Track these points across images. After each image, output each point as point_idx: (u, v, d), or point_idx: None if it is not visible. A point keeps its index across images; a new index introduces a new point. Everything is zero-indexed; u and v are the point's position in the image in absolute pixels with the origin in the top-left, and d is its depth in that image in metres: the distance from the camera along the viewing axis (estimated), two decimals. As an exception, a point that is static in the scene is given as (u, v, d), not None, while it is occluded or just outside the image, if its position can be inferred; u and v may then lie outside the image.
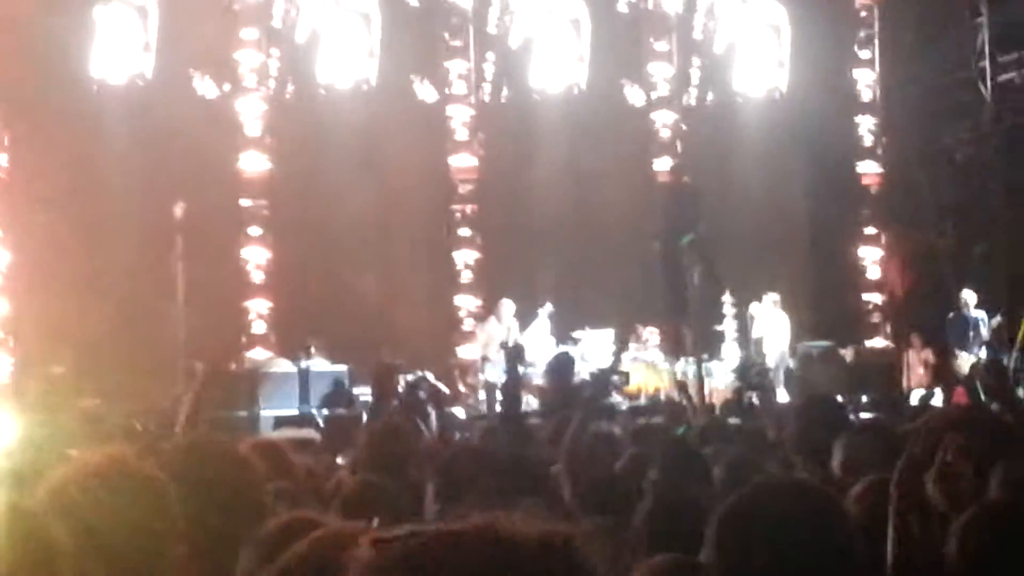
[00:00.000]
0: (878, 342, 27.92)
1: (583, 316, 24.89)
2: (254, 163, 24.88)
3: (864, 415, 18.35)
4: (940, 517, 4.39)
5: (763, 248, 26.97)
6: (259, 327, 24.53)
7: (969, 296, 25.71)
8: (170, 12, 24.10)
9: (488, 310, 25.27)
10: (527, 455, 8.03)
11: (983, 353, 24.68)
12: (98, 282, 22.24)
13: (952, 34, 29.21)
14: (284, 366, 23.15)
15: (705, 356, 22.67)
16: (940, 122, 29.00)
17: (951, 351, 25.28)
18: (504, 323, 24.41)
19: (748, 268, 25.73)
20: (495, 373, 23.30)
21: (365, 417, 19.99)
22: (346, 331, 23.48)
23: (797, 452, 7.41)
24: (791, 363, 25.17)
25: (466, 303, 26.11)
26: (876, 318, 28.46)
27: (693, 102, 28.32)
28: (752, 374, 23.44)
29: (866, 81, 29.24)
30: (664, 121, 28.02)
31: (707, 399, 20.33)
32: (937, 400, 21.37)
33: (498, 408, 22.33)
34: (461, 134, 26.51)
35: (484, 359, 24.24)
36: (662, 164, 27.46)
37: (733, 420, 14.32)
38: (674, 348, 24.48)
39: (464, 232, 26.25)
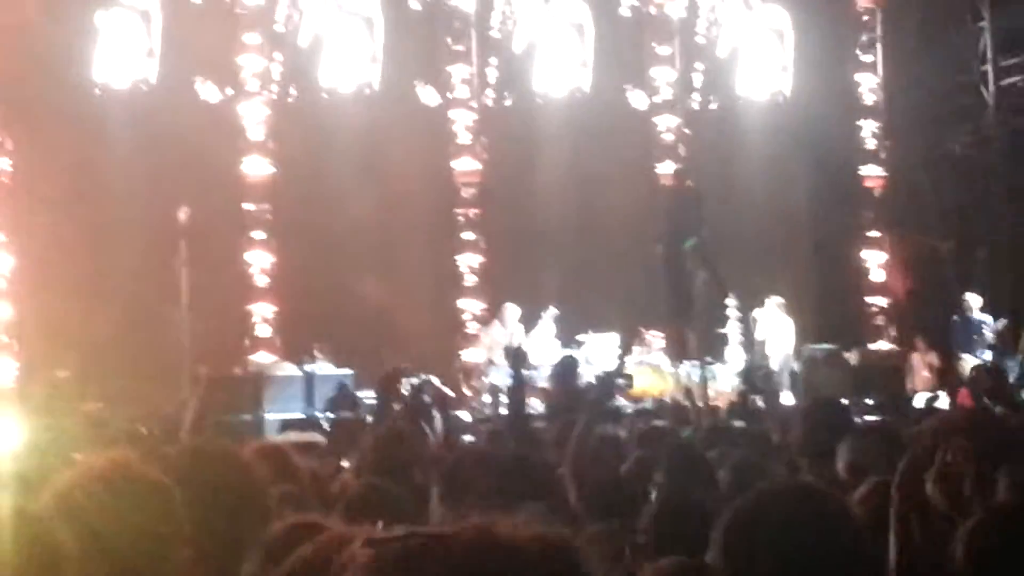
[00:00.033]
0: (882, 345, 27.91)
1: (587, 319, 24.88)
2: (257, 167, 24.88)
3: (869, 418, 18.34)
4: (943, 519, 4.38)
5: (766, 251, 26.97)
6: (263, 331, 24.53)
7: (973, 299, 25.72)
8: (173, 17, 24.11)
9: (492, 314, 25.28)
10: (532, 458, 8.01)
11: (987, 356, 24.69)
12: (102, 286, 22.24)
13: (954, 38, 29.24)
14: (289, 370, 23.18)
15: (709, 359, 22.69)
16: (943, 126, 29.04)
17: (955, 354, 25.27)
18: (508, 327, 24.42)
19: (752, 271, 25.72)
20: (499, 376, 23.30)
21: (370, 421, 19.99)
22: (350, 335, 23.49)
23: (802, 455, 7.42)
24: (795, 366, 25.16)
25: (470, 307, 26.11)
26: (880, 321, 28.44)
27: (696, 106, 28.32)
28: (757, 377, 23.44)
29: (869, 85, 29.24)
30: (667, 125, 28.04)
31: (711, 402, 20.34)
32: (942, 403, 21.35)
33: (503, 411, 22.32)
34: (464, 138, 26.51)
35: (488, 362, 24.26)
36: (665, 168, 27.45)
37: (738, 423, 14.32)
38: (678, 351, 24.49)
39: (467, 236, 26.24)
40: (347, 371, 22.92)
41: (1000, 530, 3.99)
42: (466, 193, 26.33)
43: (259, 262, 24.74)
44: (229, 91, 24.79)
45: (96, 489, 3.82)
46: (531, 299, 24.85)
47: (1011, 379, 22.58)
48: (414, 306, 24.80)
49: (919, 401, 22.73)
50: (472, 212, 26.30)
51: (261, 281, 24.71)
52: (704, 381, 20.65)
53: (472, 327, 25.87)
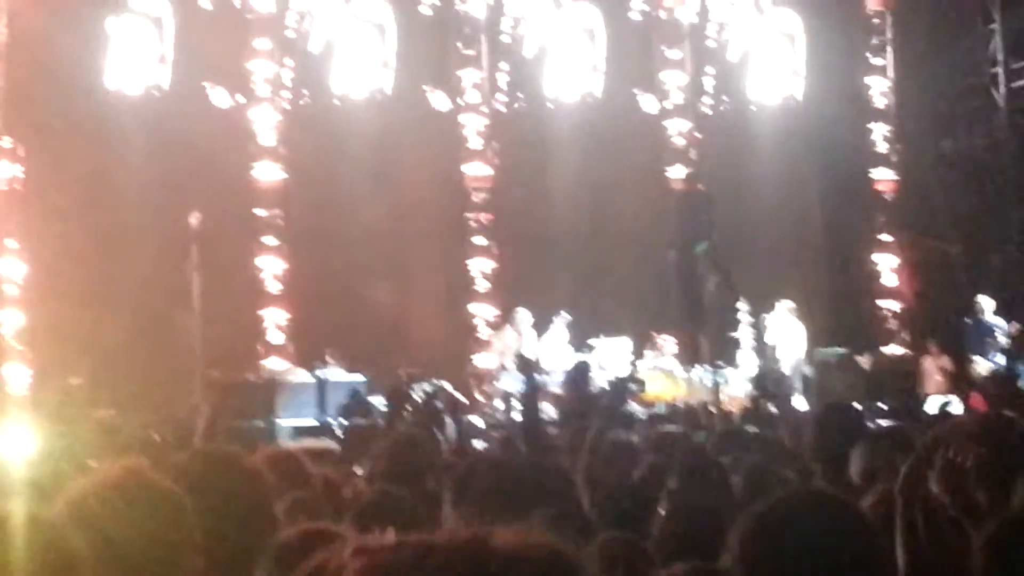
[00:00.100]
0: (895, 349, 27.87)
1: (599, 324, 24.86)
2: (269, 173, 24.90)
3: (881, 422, 18.31)
4: (950, 522, 4.37)
5: (778, 255, 26.96)
6: (275, 337, 24.54)
7: (986, 302, 25.68)
8: (185, 23, 24.14)
9: (504, 319, 25.28)
10: (545, 464, 8.01)
11: (1000, 360, 24.66)
12: (114, 292, 22.27)
13: (965, 40, 29.21)
14: (301, 376, 23.18)
15: (721, 364, 22.68)
16: (954, 128, 29.00)
17: (968, 358, 25.24)
18: (520, 332, 24.42)
19: (763, 275, 25.70)
20: (511, 382, 23.29)
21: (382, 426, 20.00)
22: (362, 340, 23.50)
23: (815, 460, 7.41)
24: (807, 371, 25.14)
25: (482, 312, 26.11)
26: (892, 325, 28.41)
27: (707, 110, 28.32)
28: (769, 382, 23.42)
29: (879, 88, 29.23)
30: (678, 129, 28.03)
31: (724, 407, 20.34)
32: (956, 407, 21.30)
33: (515, 417, 22.31)
34: (475, 143, 26.51)
35: (500, 368, 24.26)
36: (676, 172, 27.44)
37: (751, 428, 14.30)
38: (690, 356, 24.47)
39: (479, 241, 26.24)
40: (360, 377, 22.93)
41: (1018, 537, 3.97)
42: (477, 198, 26.34)
43: (271, 267, 24.76)
44: (240, 97, 24.82)
45: (109, 497, 3.83)
46: (543, 304, 24.84)
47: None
48: (426, 311, 24.83)
49: (932, 405, 22.68)
50: (483, 217, 26.30)
51: (273, 287, 24.73)
52: (716, 386, 20.62)
53: (484, 332, 25.87)
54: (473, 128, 26.53)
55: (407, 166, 25.01)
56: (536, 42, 27.05)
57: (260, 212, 24.76)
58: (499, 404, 23.98)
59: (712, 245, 21.34)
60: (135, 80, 24.13)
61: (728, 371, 23.61)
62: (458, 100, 26.55)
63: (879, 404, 22.85)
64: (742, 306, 24.79)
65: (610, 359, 24.29)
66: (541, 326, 24.63)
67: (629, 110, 27.59)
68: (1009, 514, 4.31)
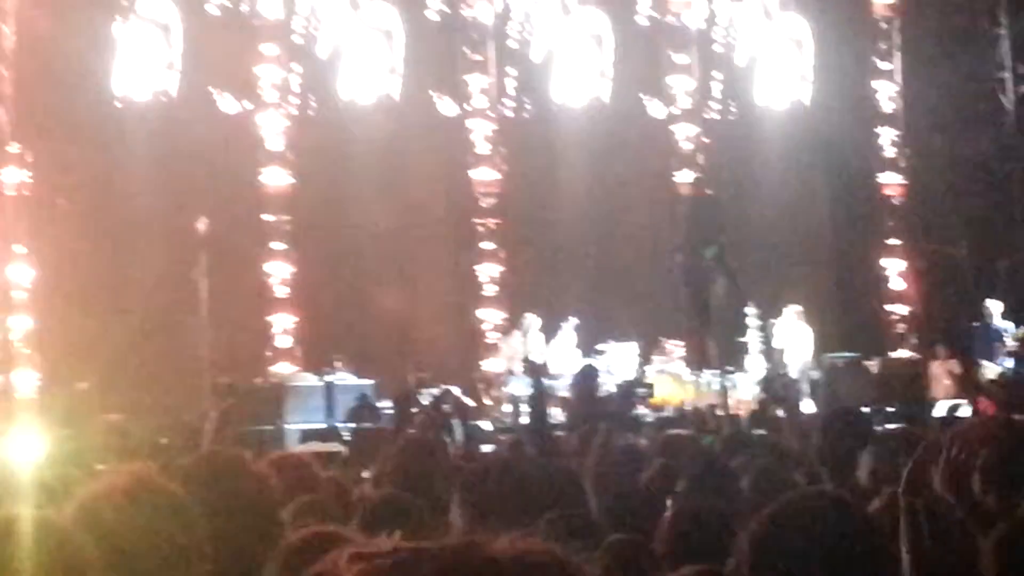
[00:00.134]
0: (903, 353, 27.85)
1: (607, 329, 24.87)
2: (276, 178, 24.92)
3: (890, 426, 18.29)
4: (955, 523, 4.37)
5: (786, 260, 26.95)
6: (283, 341, 24.56)
7: (994, 306, 25.66)
8: (192, 29, 24.16)
9: (512, 323, 25.28)
10: (553, 467, 8.02)
11: (1008, 363, 24.64)
12: (122, 297, 22.30)
13: (973, 45, 29.20)
14: (309, 380, 23.19)
15: (729, 368, 22.67)
16: (961, 133, 28.97)
17: (976, 361, 25.22)
18: (528, 336, 24.43)
19: (771, 280, 25.70)
20: (520, 386, 23.31)
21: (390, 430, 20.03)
22: (370, 345, 23.53)
23: (822, 463, 7.41)
24: (814, 374, 25.14)
25: (490, 317, 26.10)
26: (900, 329, 28.40)
27: (715, 115, 28.31)
28: (777, 386, 23.41)
29: (887, 93, 29.23)
30: (686, 134, 28.03)
31: (732, 411, 20.33)
32: (965, 411, 21.28)
33: (523, 421, 22.33)
34: (483, 148, 26.51)
35: (509, 372, 24.27)
36: (684, 177, 27.45)
37: (759, 432, 14.30)
38: (698, 360, 24.47)
39: (487, 246, 26.25)
40: (368, 381, 22.94)
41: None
42: (485, 203, 26.34)
43: (279, 273, 24.78)
44: (248, 103, 24.84)
45: (118, 501, 3.84)
46: (551, 309, 24.86)
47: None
48: (434, 316, 24.84)
49: (940, 409, 22.66)
50: (491, 222, 26.30)
51: (281, 292, 24.75)
52: (724, 390, 20.62)
53: (492, 337, 25.87)
54: (481, 133, 26.53)
55: (414, 171, 25.03)
56: (544, 47, 27.06)
57: (268, 217, 24.78)
58: (507, 408, 24.00)
59: (720, 249, 21.31)
60: (143, 86, 24.15)
61: (736, 375, 23.61)
62: (465, 105, 26.56)
63: (887, 408, 22.83)
64: (750, 310, 24.79)
65: (618, 363, 24.30)
66: (549, 331, 24.64)
67: (637, 115, 27.59)
68: (1020, 516, 4.31)
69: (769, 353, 25.30)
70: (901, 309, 28.52)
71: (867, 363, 25.60)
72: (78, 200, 22.42)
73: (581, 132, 26.62)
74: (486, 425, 22.56)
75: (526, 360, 23.49)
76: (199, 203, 21.72)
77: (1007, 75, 29.12)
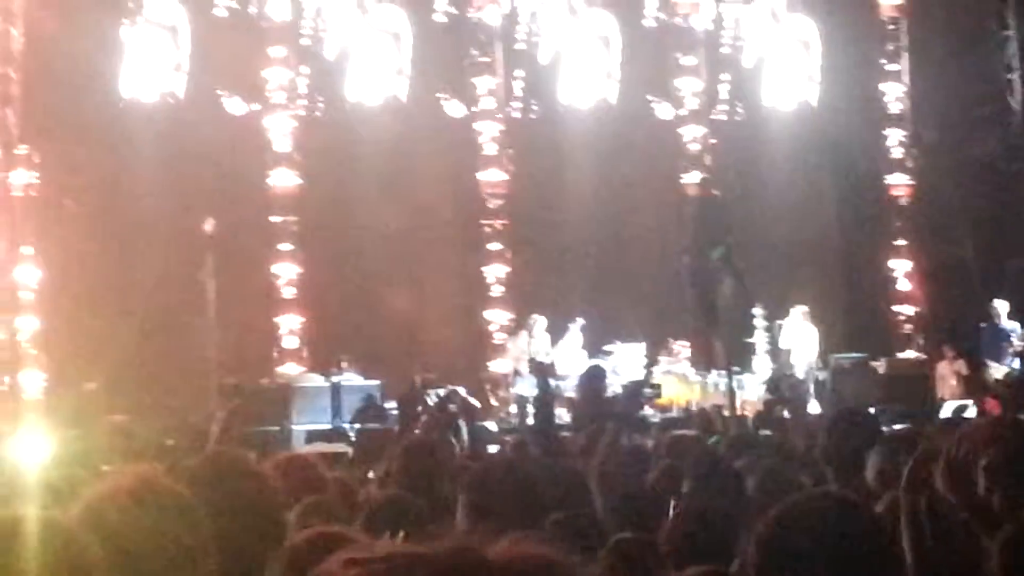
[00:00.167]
0: (910, 354, 27.83)
1: (614, 329, 24.88)
2: (284, 179, 24.94)
3: (897, 427, 18.29)
4: (957, 523, 4.37)
5: (793, 260, 26.93)
6: (290, 342, 24.59)
7: (1001, 307, 25.65)
8: (200, 31, 24.18)
9: (518, 324, 25.29)
10: (559, 468, 8.02)
11: (1015, 364, 24.63)
12: (129, 298, 22.33)
13: (980, 46, 29.17)
14: (316, 381, 23.22)
15: (736, 369, 22.67)
16: (969, 134, 28.94)
17: (983, 362, 25.21)
18: (535, 337, 24.43)
19: (778, 280, 25.69)
20: (526, 387, 23.32)
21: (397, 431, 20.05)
22: (377, 346, 23.54)
23: (828, 464, 7.40)
24: (820, 375, 25.14)
25: (496, 317, 26.11)
26: (907, 329, 28.38)
27: (723, 116, 28.29)
28: (783, 387, 23.41)
29: (895, 94, 29.21)
30: (693, 135, 28.02)
31: (738, 411, 20.34)
32: (972, 412, 21.28)
33: (530, 422, 22.34)
34: (490, 150, 26.51)
35: (515, 373, 24.27)
36: (691, 178, 27.43)
37: (765, 432, 14.30)
38: (705, 361, 24.48)
39: (494, 247, 26.25)
40: (374, 382, 22.97)
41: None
42: (492, 204, 26.34)
43: (286, 274, 24.80)
44: (255, 105, 24.85)
45: (124, 502, 3.84)
46: (558, 309, 24.86)
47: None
48: (440, 317, 24.84)
49: (947, 410, 22.66)
50: (498, 223, 26.30)
51: (288, 293, 24.77)
52: (731, 390, 20.62)
53: (499, 338, 25.87)
54: (488, 135, 26.54)
55: (422, 173, 25.03)
56: (551, 49, 27.06)
57: (275, 219, 24.80)
58: (514, 409, 24.02)
59: (727, 250, 21.31)
60: (150, 88, 24.18)
61: (743, 376, 23.62)
62: (473, 107, 26.56)
63: (894, 408, 22.82)
64: (757, 311, 24.81)
65: (625, 364, 24.30)
66: (556, 331, 24.63)
67: (644, 116, 27.58)
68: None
69: (776, 354, 25.31)
70: (908, 310, 28.50)
71: (874, 364, 25.60)
72: (85, 201, 22.45)
73: (588, 133, 26.61)
74: (492, 426, 22.57)
75: (533, 361, 23.51)
76: (206, 204, 21.75)
77: (1015, 76, 29.10)
